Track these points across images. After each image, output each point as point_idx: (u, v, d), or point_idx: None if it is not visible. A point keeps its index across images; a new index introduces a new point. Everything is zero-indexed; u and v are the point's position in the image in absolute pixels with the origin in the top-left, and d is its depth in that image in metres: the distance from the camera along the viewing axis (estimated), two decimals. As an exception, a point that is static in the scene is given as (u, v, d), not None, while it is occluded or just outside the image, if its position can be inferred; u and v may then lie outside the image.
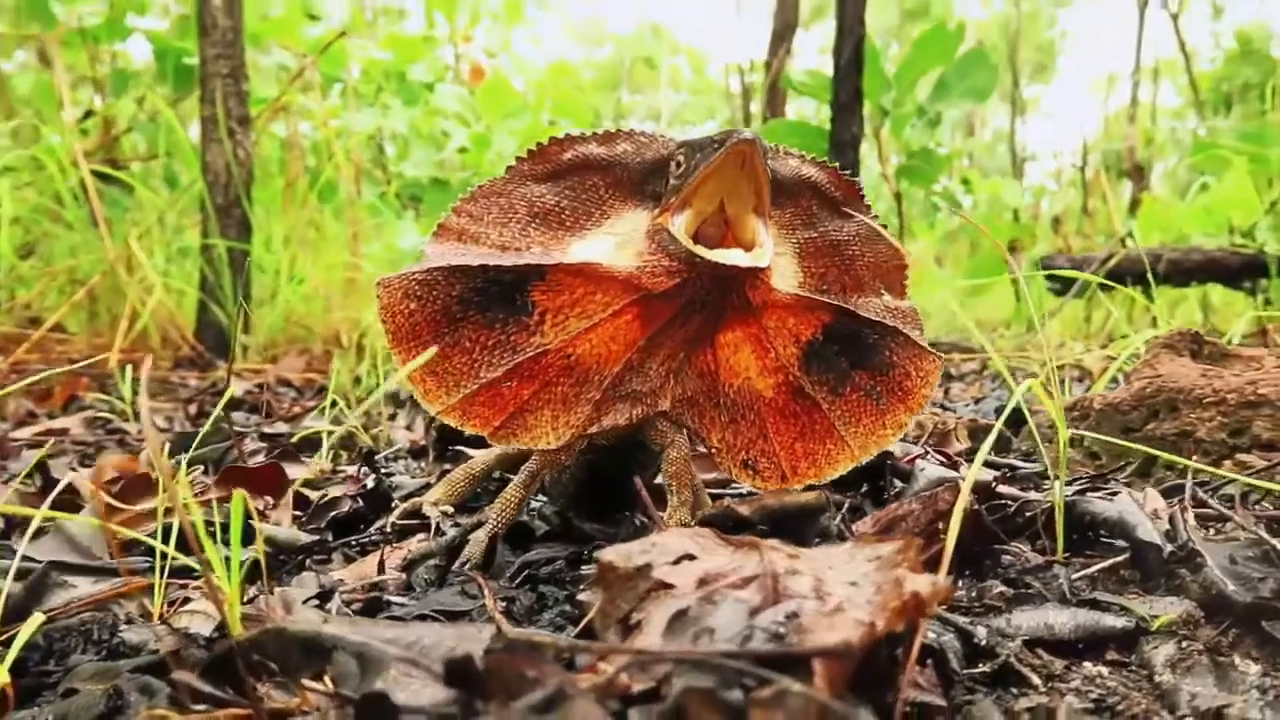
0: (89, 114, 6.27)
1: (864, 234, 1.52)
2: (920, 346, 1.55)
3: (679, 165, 1.41)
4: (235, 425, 3.44)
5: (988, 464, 2.17)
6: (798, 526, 1.41)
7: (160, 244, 5.62)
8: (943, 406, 3.30)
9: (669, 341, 1.47)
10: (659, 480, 1.62)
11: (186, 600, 1.36)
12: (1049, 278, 5.76)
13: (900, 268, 1.55)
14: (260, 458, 2.28)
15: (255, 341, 5.22)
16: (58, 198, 5.51)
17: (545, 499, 1.84)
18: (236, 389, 4.36)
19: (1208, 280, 5.36)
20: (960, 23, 6.66)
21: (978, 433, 2.57)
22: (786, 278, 1.49)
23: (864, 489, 1.92)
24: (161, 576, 1.33)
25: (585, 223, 1.46)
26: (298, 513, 1.85)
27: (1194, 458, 2.03)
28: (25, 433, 3.19)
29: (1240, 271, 5.19)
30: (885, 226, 1.54)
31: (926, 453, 2.04)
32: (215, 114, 5.11)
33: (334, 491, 1.93)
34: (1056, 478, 1.59)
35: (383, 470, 1.94)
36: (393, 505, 1.81)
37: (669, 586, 1.03)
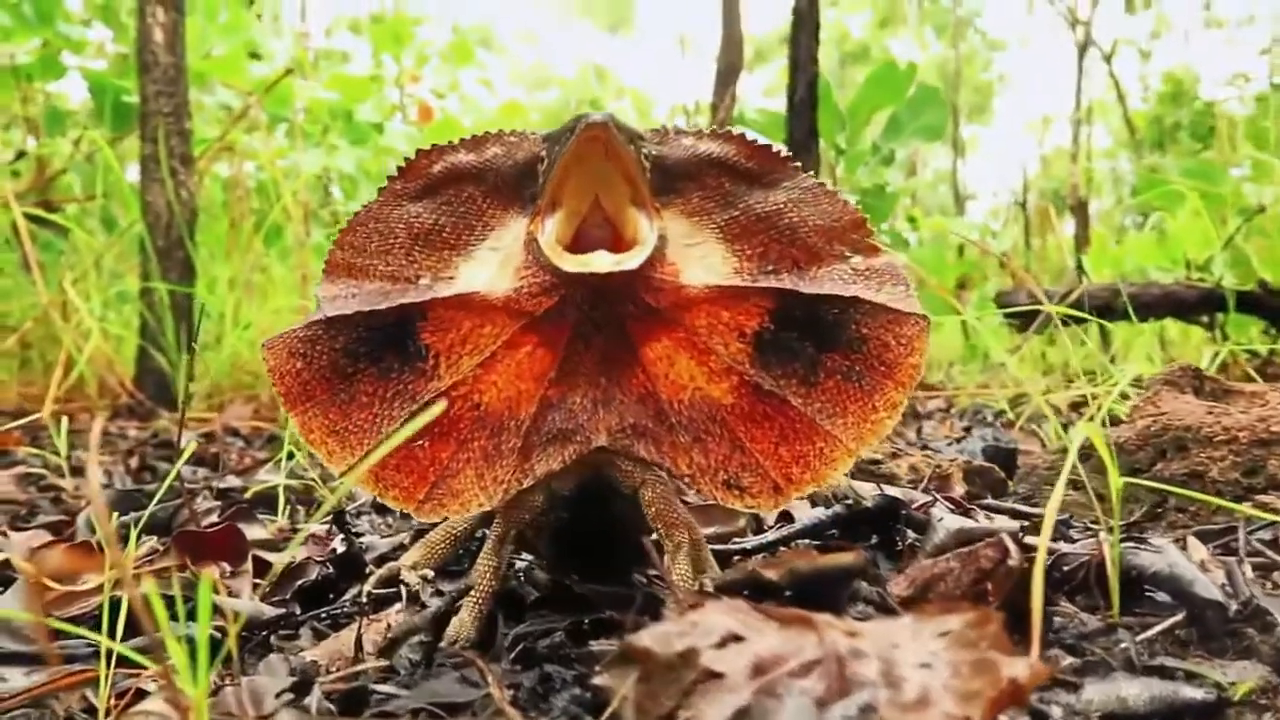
0: (21, 154, 6.01)
1: (799, 199, 1.36)
2: (893, 310, 1.36)
3: (543, 162, 1.30)
4: (184, 481, 3.22)
5: (992, 510, 2.06)
6: (832, 590, 1.27)
7: (98, 288, 5.36)
8: (924, 447, 3.20)
9: (581, 367, 1.34)
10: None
11: (140, 695, 1.18)
12: (1008, 315, 5.75)
13: (856, 222, 1.37)
14: (214, 518, 2.09)
15: (199, 388, 4.97)
16: (-13, 241, 5.24)
17: (531, 558, 1.68)
18: (182, 439, 4.12)
19: (1166, 315, 5.36)
20: (911, 63, 6.69)
21: (973, 475, 2.46)
22: (713, 268, 1.34)
23: (874, 540, 1.79)
24: (108, 666, 1.15)
25: (469, 238, 1.36)
26: (258, 580, 1.67)
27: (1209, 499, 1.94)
28: (-52, 493, 2.94)
29: (1197, 305, 5.20)
30: (822, 184, 1.38)
31: (935, 499, 1.92)
32: (156, 153, 4.90)
33: (299, 554, 1.75)
34: (1109, 529, 1.47)
35: (352, 530, 1.76)
36: (366, 571, 1.63)
37: (718, 676, 0.88)
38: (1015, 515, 2.04)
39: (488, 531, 1.58)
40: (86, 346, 4.74)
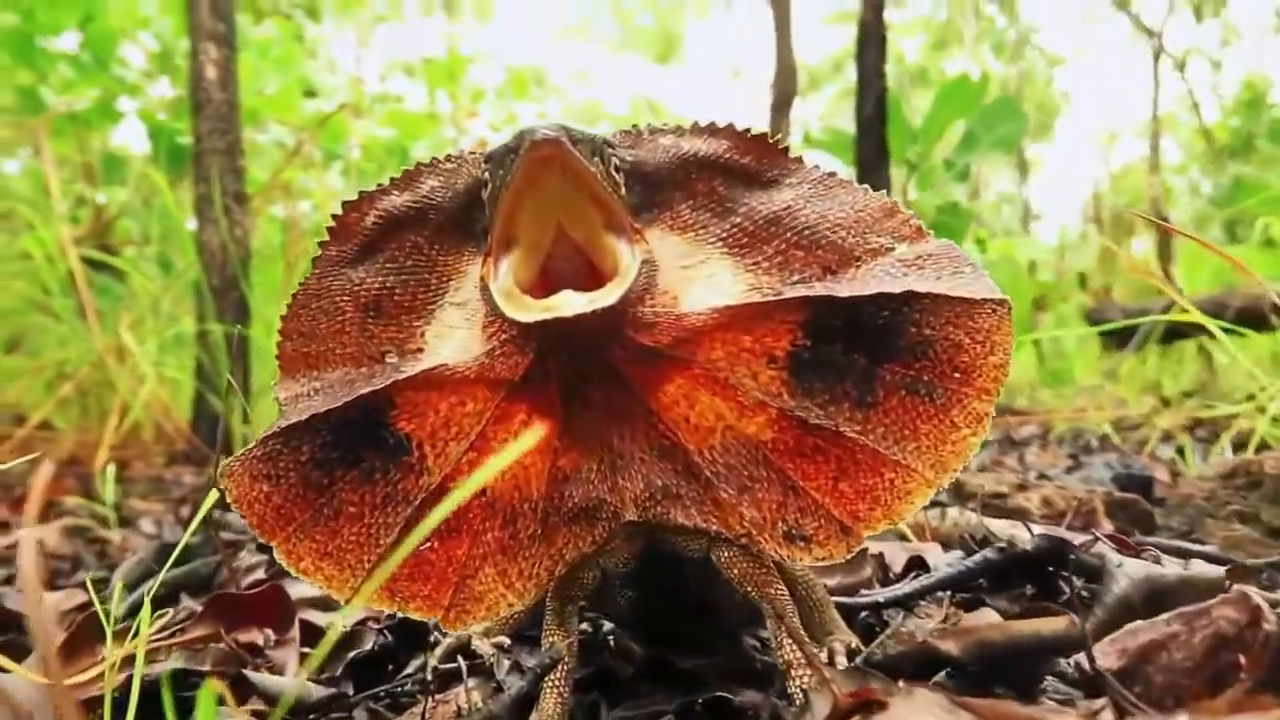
0: (81, 202, 5.98)
1: (810, 194, 1.14)
2: (960, 300, 1.09)
3: (487, 188, 1.07)
4: (229, 532, 3.03)
5: (1162, 549, 1.75)
6: (1029, 667, 0.99)
7: (154, 332, 5.25)
8: (1040, 476, 2.88)
9: (588, 430, 1.12)
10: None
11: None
12: (1103, 333, 5.38)
13: (886, 209, 1.13)
14: (259, 574, 1.86)
15: (255, 433, 4.81)
16: (45, 289, 5.17)
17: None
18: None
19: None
20: (985, 73, 6.40)
21: (1114, 508, 2.15)
22: (722, 287, 1.11)
23: (1029, 590, 1.50)
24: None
25: (425, 297, 1.15)
26: (306, 649, 1.43)
27: None
28: (-8, 547, 2.77)
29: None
30: (833, 173, 1.16)
31: (1096, 538, 1.62)
32: (211, 192, 4.78)
33: (353, 618, 1.51)
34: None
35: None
36: (430, 639, 1.38)
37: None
38: (1185, 555, 1.73)
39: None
40: (142, 392, 4.62)
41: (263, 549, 2.19)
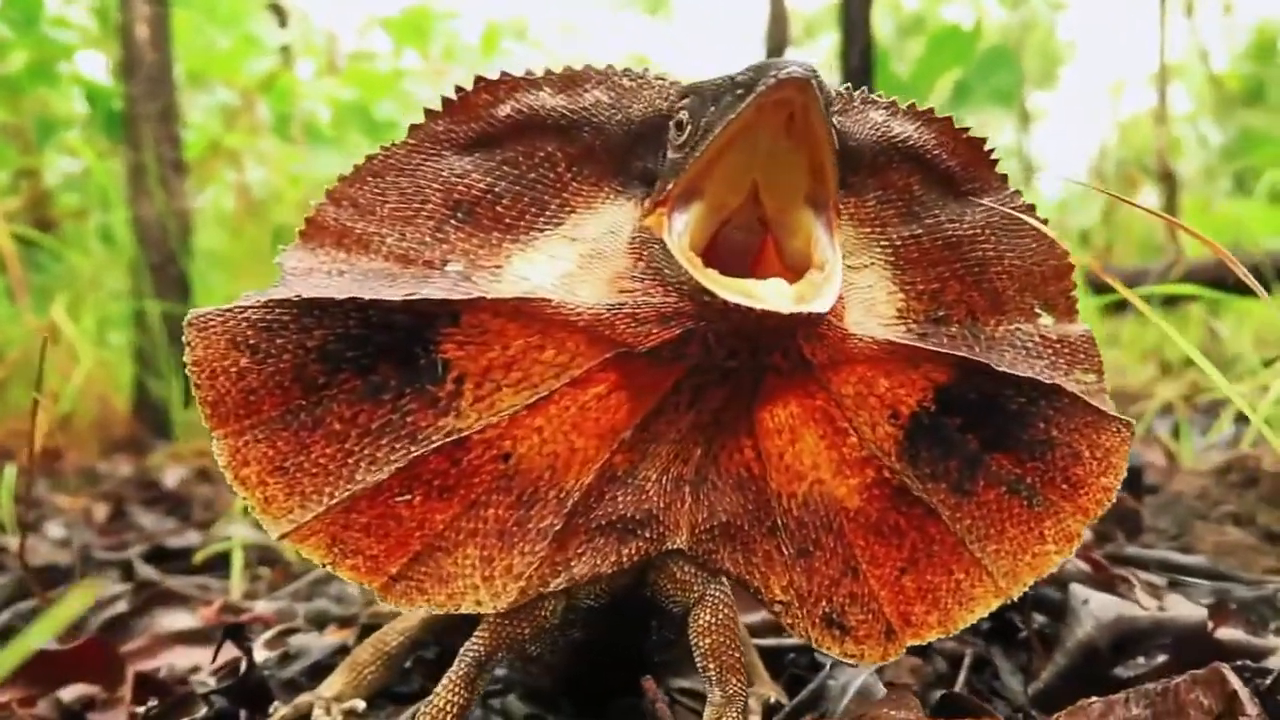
0: (27, 174, 5.75)
1: (999, 224, 1.02)
2: (1098, 411, 1.02)
3: (681, 127, 0.93)
4: (144, 531, 2.85)
5: (1138, 564, 1.58)
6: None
7: (93, 311, 5.05)
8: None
9: (674, 431, 0.98)
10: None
11: None
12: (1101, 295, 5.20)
13: (1061, 271, 1.04)
14: (120, 607, 1.68)
15: (197, 418, 4.63)
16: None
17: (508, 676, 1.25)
18: (170, 478, 3.78)
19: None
20: (978, 21, 6.17)
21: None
22: (875, 307, 1.00)
23: (985, 626, 1.33)
24: None
25: (536, 221, 0.98)
26: (137, 709, 1.26)
27: None
28: None
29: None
30: (1034, 208, 1.03)
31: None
32: (144, 160, 4.57)
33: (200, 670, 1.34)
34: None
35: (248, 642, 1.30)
36: (271, 710, 1.19)
37: None
38: (1170, 569, 1.56)
39: (442, 646, 1.15)
40: (75, 375, 4.43)
41: (127, 575, 2.01)
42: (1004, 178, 1.02)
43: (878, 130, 0.97)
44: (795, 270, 0.91)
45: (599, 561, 0.99)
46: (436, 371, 0.96)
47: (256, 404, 0.95)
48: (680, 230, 0.90)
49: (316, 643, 1.44)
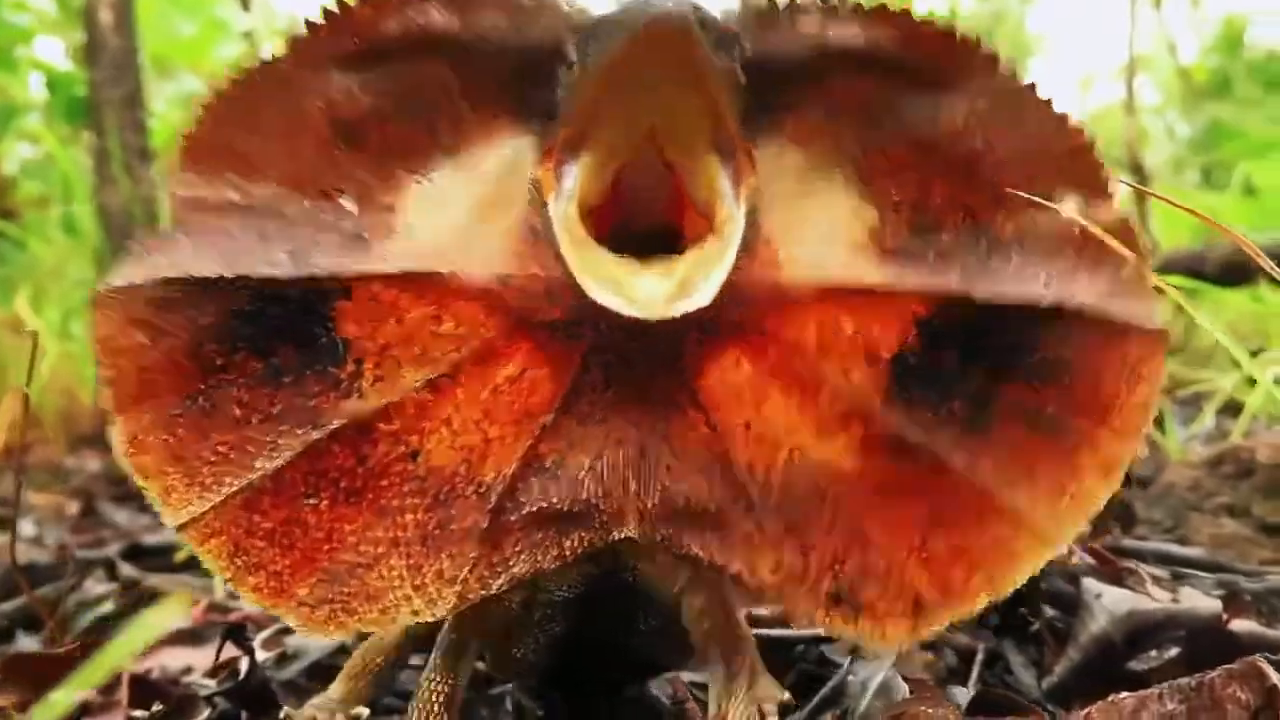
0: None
1: (991, 107, 0.88)
2: (1114, 321, 0.88)
3: (571, 67, 0.83)
4: (118, 529, 2.81)
5: (1144, 554, 1.59)
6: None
7: (57, 302, 4.96)
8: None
9: (598, 412, 0.89)
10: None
11: None
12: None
13: (1079, 150, 0.89)
14: (108, 606, 1.65)
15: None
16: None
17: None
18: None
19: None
20: (952, 11, 6.18)
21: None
22: (837, 231, 0.88)
23: (995, 622, 1.33)
24: None
25: (429, 148, 0.89)
26: (138, 712, 1.23)
27: None
28: None
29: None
30: (1035, 86, 0.89)
31: (1072, 552, 1.45)
32: (109, 148, 4.50)
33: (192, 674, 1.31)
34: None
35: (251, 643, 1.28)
36: (282, 716, 1.16)
37: None
38: (1171, 561, 1.58)
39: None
40: (40, 366, 4.35)
41: (111, 574, 1.97)
42: (990, 56, 0.88)
43: (812, 40, 0.87)
44: (706, 215, 0.84)
45: (540, 558, 0.90)
46: (337, 352, 0.89)
47: (154, 386, 0.89)
48: (568, 191, 0.82)
49: (314, 642, 1.42)
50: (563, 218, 0.80)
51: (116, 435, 0.89)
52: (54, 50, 6.25)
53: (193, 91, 5.92)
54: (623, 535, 0.90)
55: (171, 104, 5.85)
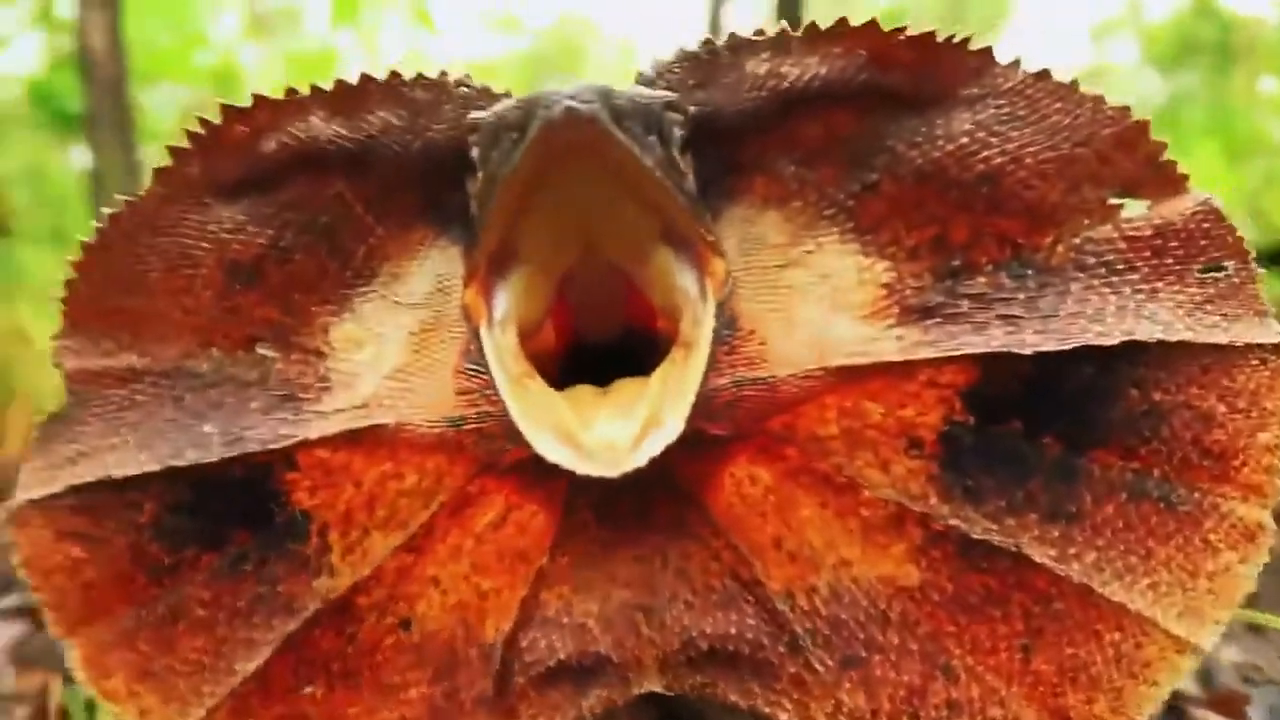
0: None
1: (1001, 114, 0.78)
2: (1213, 345, 0.74)
3: (477, 170, 0.74)
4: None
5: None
6: None
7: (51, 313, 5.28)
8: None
9: (597, 550, 0.81)
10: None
11: None
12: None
13: (1129, 137, 0.75)
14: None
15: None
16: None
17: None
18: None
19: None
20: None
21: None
22: (842, 298, 0.77)
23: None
24: None
25: (343, 277, 0.82)
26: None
27: None
28: None
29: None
30: (1047, 73, 0.80)
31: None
32: (104, 165, 4.87)
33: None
34: None
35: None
36: None
37: None
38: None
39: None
40: (46, 379, 4.69)
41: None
42: (985, 51, 0.78)
43: (763, 83, 0.77)
44: (672, 319, 0.73)
45: None
46: (297, 527, 0.81)
47: (102, 601, 0.82)
48: (500, 316, 0.72)
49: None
50: (496, 351, 0.70)
51: (74, 661, 0.84)
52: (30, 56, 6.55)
53: (174, 100, 6.26)
54: (644, 689, 0.81)
55: (151, 115, 6.19)
